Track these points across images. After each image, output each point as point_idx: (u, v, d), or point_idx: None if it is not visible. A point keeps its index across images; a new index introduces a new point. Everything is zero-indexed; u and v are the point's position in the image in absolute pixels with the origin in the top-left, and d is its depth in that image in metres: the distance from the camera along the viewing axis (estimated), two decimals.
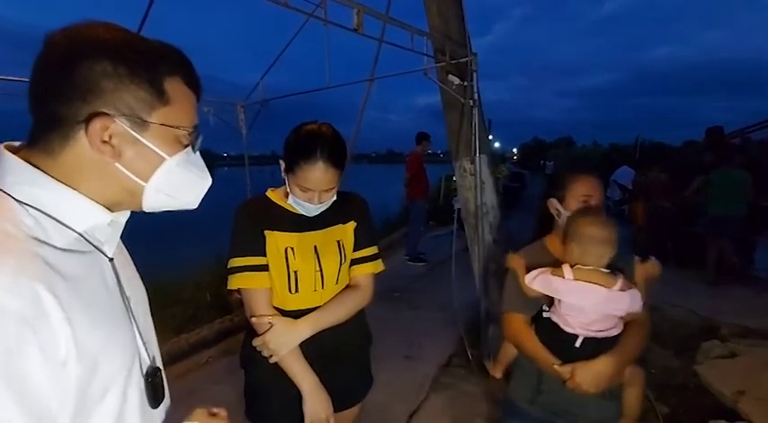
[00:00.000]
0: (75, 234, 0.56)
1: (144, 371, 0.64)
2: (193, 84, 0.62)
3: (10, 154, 0.54)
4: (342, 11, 1.92)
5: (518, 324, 1.28)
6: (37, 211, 0.53)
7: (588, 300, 1.12)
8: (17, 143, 0.58)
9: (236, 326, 3.28)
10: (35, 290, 0.46)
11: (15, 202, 0.52)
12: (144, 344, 0.65)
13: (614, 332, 1.17)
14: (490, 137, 3.02)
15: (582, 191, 1.27)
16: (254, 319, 1.15)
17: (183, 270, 4.08)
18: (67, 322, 0.49)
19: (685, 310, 3.52)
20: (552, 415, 1.26)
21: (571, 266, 1.16)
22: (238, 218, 1.19)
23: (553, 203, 1.32)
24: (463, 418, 2.42)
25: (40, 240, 0.51)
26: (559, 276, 1.16)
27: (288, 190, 1.16)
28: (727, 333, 3.12)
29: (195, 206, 0.68)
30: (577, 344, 1.16)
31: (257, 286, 1.15)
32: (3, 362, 0.43)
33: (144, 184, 0.59)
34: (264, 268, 1.16)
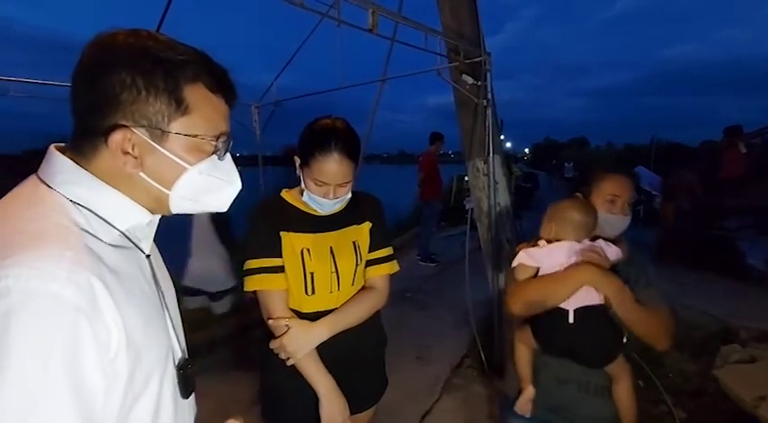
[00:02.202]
0: (119, 232, 0.59)
1: (176, 362, 0.66)
2: (219, 87, 0.62)
3: (60, 154, 0.57)
4: (354, 11, 1.93)
5: (514, 288, 1.24)
6: (85, 210, 0.55)
7: (560, 254, 1.17)
8: (62, 144, 0.60)
9: (250, 325, 3.31)
10: (90, 282, 0.49)
11: (66, 199, 0.55)
12: (176, 335, 0.68)
13: (601, 298, 1.16)
14: (502, 137, 2.99)
15: (609, 189, 1.22)
16: (270, 322, 1.15)
17: None
18: (119, 314, 0.51)
19: (702, 312, 3.45)
20: (548, 412, 1.25)
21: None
22: (254, 219, 1.20)
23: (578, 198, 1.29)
24: (476, 419, 2.41)
25: (90, 235, 0.54)
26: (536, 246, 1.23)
27: (303, 187, 1.17)
28: (746, 337, 3.05)
29: (224, 209, 0.69)
30: (570, 319, 1.15)
31: (274, 288, 1.15)
32: (61, 351, 0.45)
33: (168, 191, 0.60)
34: (281, 270, 1.16)
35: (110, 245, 0.56)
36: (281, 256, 1.16)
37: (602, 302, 1.15)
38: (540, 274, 1.21)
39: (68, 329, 0.46)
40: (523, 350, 1.30)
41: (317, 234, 1.19)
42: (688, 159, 6.09)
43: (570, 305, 1.15)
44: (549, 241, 1.21)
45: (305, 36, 3.42)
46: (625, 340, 1.17)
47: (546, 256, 1.19)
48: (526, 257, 1.21)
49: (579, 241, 1.18)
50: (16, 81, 2.81)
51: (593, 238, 1.21)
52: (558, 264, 1.17)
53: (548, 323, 1.19)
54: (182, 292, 2.88)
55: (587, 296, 1.14)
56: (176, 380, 0.66)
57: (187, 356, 0.70)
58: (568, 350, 1.18)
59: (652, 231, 5.65)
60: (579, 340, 1.15)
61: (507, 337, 2.68)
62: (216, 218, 2.87)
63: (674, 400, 2.38)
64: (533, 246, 1.24)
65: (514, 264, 1.24)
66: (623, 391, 1.21)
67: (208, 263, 2.90)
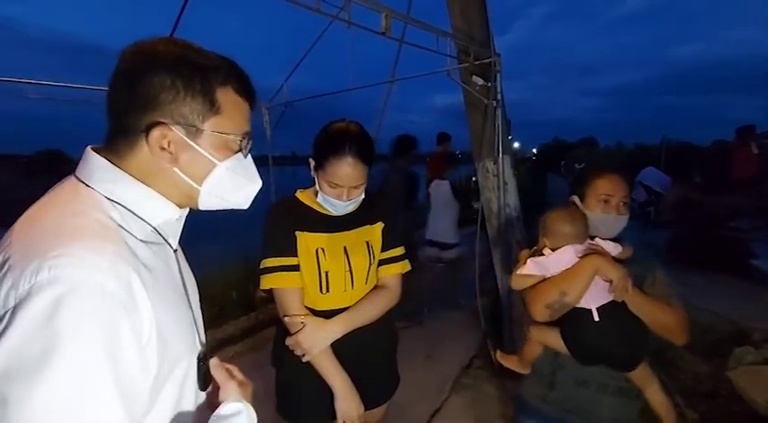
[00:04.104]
0: (151, 228, 0.62)
1: (197, 355, 0.68)
2: (246, 92, 0.66)
3: (97, 155, 0.60)
4: (363, 12, 1.94)
5: (532, 290, 1.24)
6: (120, 207, 0.58)
7: (567, 257, 1.17)
8: (98, 145, 0.63)
9: (261, 323, 3.35)
10: (128, 275, 0.52)
11: (103, 197, 0.58)
12: (197, 329, 0.70)
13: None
14: (510, 137, 3.00)
15: (602, 189, 1.24)
16: (286, 319, 1.18)
17: (208, 268, 4.18)
18: (151, 306, 0.54)
19: (714, 314, 3.42)
20: (565, 412, 1.25)
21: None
22: (270, 219, 1.23)
23: (574, 201, 1.31)
24: (485, 419, 2.41)
25: (125, 231, 0.57)
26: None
27: (317, 188, 1.19)
28: (759, 338, 3.02)
29: (246, 206, 0.73)
30: (595, 317, 1.15)
31: (289, 286, 1.18)
32: (103, 338, 0.48)
33: (198, 187, 0.64)
34: (296, 268, 1.18)
35: (141, 241, 0.59)
36: (296, 255, 1.19)
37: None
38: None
39: (110, 318, 0.49)
40: (536, 347, 1.29)
41: (332, 234, 1.21)
42: (699, 160, 6.01)
43: (591, 304, 1.15)
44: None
45: (315, 37, 3.45)
46: None
47: (554, 263, 1.20)
48: (534, 267, 1.22)
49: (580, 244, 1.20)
50: (34, 83, 2.86)
51: (590, 238, 1.23)
52: (566, 266, 1.18)
53: (575, 327, 1.18)
54: (420, 243, 3.77)
55: (605, 293, 1.14)
56: (196, 372, 0.68)
57: (206, 350, 0.72)
58: (599, 351, 1.16)
59: (662, 232, 5.59)
60: (608, 338, 1.14)
61: (519, 337, 2.68)
62: (454, 187, 3.82)
63: (686, 402, 2.36)
64: (535, 254, 1.25)
65: (521, 272, 1.24)
66: (656, 393, 1.21)
67: (444, 221, 3.76)
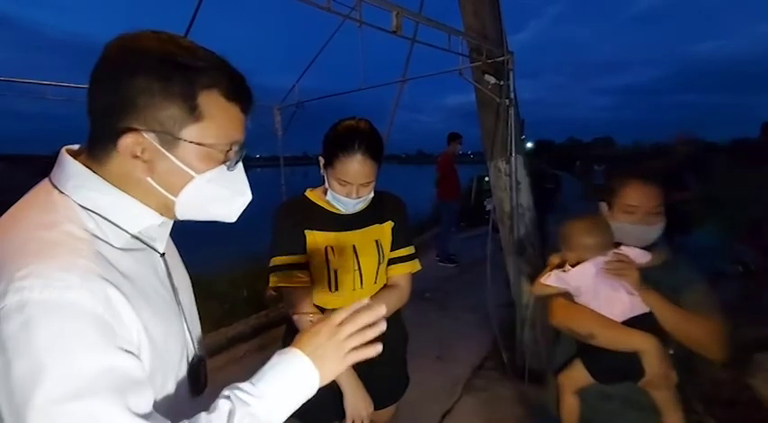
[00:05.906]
0: (130, 235, 0.59)
1: (189, 359, 0.67)
2: (237, 96, 0.59)
3: (72, 159, 0.57)
4: (374, 11, 1.93)
5: (563, 303, 1.22)
6: (96, 215, 0.55)
7: (589, 273, 1.14)
8: (76, 147, 0.60)
9: (271, 321, 3.36)
10: (104, 288, 0.49)
11: (77, 205, 0.54)
12: (190, 333, 0.68)
13: (644, 306, 1.11)
14: (523, 136, 2.96)
15: (627, 200, 1.17)
16: (295, 317, 1.17)
17: (219, 267, 4.23)
18: (137, 315, 0.52)
19: (736, 319, 3.32)
20: None
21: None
22: (279, 218, 1.22)
23: (603, 208, 1.25)
24: (497, 420, 2.38)
25: (102, 241, 0.54)
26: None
27: (327, 186, 1.19)
28: None
29: (233, 220, 0.67)
30: None
31: (298, 284, 1.17)
32: (89, 355, 0.46)
33: (174, 198, 0.59)
34: (305, 267, 1.18)
35: (121, 249, 0.56)
36: (305, 254, 1.18)
37: (648, 311, 1.10)
38: (571, 293, 1.20)
39: (91, 333, 0.46)
40: (571, 401, 1.24)
41: (341, 232, 1.21)
42: (721, 159, 5.84)
43: (618, 318, 1.12)
44: (572, 265, 1.19)
45: (326, 37, 3.46)
46: (671, 352, 1.11)
47: (575, 278, 1.17)
48: (555, 280, 1.20)
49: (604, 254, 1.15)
50: (52, 85, 2.92)
51: (617, 244, 1.18)
52: (587, 283, 1.16)
53: (592, 349, 1.15)
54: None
55: (634, 306, 1.11)
56: (188, 376, 0.66)
57: (201, 354, 0.71)
58: (620, 368, 1.13)
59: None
60: (629, 355, 1.09)
61: (531, 338, 2.64)
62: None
63: (705, 409, 2.30)
64: (560, 265, 1.23)
65: (544, 280, 1.22)
66: (666, 400, 1.14)
67: None
